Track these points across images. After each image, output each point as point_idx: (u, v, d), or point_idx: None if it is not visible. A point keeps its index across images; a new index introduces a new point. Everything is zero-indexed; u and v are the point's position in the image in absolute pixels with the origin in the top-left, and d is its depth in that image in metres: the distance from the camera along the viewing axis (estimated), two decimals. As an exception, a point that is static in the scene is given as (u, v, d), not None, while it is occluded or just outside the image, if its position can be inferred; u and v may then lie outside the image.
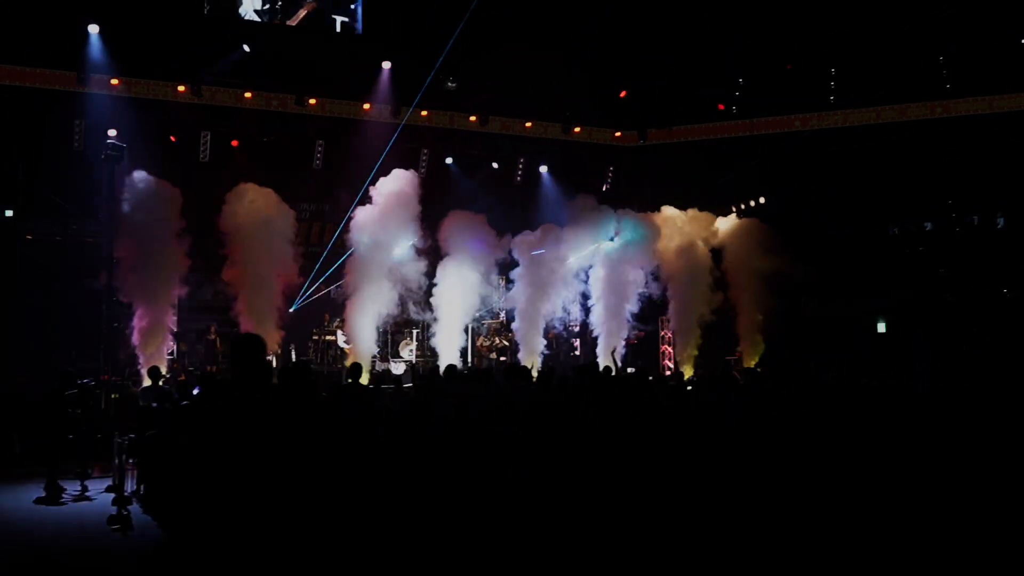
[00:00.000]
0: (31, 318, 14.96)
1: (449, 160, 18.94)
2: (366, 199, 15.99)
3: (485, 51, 17.06)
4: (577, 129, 19.44)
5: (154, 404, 9.97)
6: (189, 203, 15.05)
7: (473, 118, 18.45)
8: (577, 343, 19.58)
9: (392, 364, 17.07)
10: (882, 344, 18.32)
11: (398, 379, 11.69)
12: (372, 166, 16.17)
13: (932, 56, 18.07)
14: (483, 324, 18.61)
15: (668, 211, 18.68)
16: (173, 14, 15.93)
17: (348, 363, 14.86)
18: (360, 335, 15.82)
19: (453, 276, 16.72)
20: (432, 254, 16.72)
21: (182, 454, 7.22)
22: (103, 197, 14.90)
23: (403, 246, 16.16)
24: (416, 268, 16.30)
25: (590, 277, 17.94)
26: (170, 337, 15.14)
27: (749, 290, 18.17)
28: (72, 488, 9.91)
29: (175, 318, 15.45)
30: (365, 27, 17.86)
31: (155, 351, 14.50)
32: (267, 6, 17.28)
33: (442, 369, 11.43)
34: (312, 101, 17.21)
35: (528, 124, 19.09)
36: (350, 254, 16.09)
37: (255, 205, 15.25)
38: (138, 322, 14.55)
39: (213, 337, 16.01)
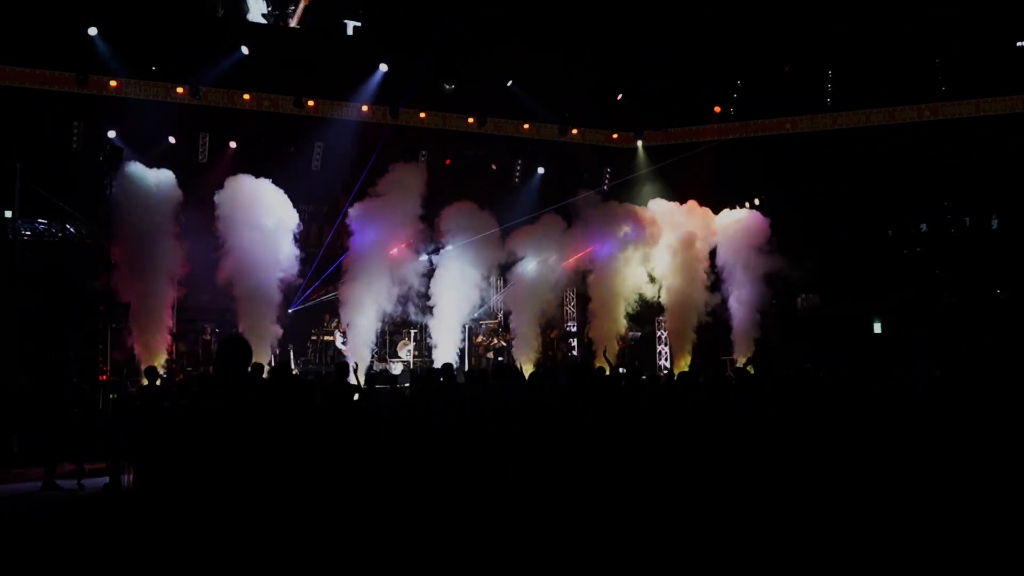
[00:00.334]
0: (30, 318, 15.01)
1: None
2: (364, 196, 16.04)
3: (483, 52, 17.16)
4: (574, 131, 19.52)
5: (153, 404, 10.03)
6: (189, 204, 15.15)
7: (471, 120, 18.53)
8: (575, 343, 19.68)
9: (390, 364, 17.15)
10: (878, 344, 18.40)
11: (393, 379, 11.73)
12: (371, 166, 16.24)
13: (920, 60, 18.17)
14: (480, 324, 18.69)
15: (660, 204, 18.59)
16: (172, 16, 15.97)
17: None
18: (358, 335, 15.87)
19: (451, 275, 16.77)
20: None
21: (179, 454, 7.27)
22: (102, 198, 15.04)
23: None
24: (415, 268, 16.37)
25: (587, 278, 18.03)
26: (168, 338, 15.22)
27: (745, 289, 18.20)
28: (69, 487, 9.99)
29: (174, 319, 15.52)
30: (364, 29, 17.92)
31: (154, 352, 14.57)
32: (273, 10, 17.34)
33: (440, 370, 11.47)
34: (311, 103, 17.28)
35: (526, 126, 19.17)
36: (347, 255, 16.13)
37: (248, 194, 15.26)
38: (136, 323, 14.62)
39: (208, 338, 16.08)
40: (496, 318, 19.19)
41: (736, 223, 18.64)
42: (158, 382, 11.31)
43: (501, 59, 17.41)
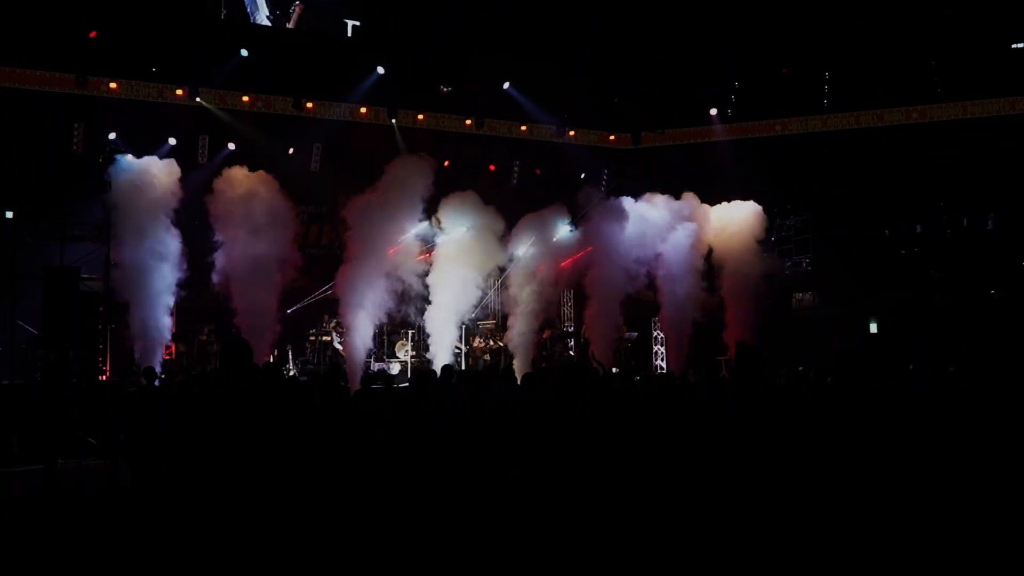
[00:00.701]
0: (30, 319, 15.08)
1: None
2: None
3: (481, 54, 17.23)
4: (572, 132, 19.61)
5: (152, 404, 10.10)
6: (188, 204, 15.23)
7: (469, 121, 18.61)
8: (571, 343, 19.76)
9: (387, 364, 17.23)
10: (875, 344, 18.48)
11: (390, 380, 11.79)
12: (370, 168, 16.31)
13: (917, 61, 18.25)
14: (478, 325, 18.77)
15: (654, 198, 18.56)
16: (172, 17, 16.04)
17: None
18: (355, 336, 15.92)
19: (449, 275, 16.82)
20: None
21: (178, 453, 7.35)
22: (102, 199, 15.13)
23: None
24: (414, 267, 16.43)
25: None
26: (168, 338, 15.29)
27: (741, 289, 18.28)
28: (69, 487, 10.04)
29: (174, 319, 15.58)
30: (363, 30, 17.99)
31: (153, 352, 14.64)
32: (278, 13, 17.42)
33: (438, 370, 11.51)
34: (309, 105, 17.36)
35: (523, 127, 19.25)
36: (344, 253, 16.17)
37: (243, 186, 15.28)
38: (136, 323, 14.69)
39: (205, 338, 16.15)
40: (493, 319, 19.27)
41: (734, 218, 18.74)
42: (156, 382, 11.38)
43: (499, 60, 17.48)
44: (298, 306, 16.62)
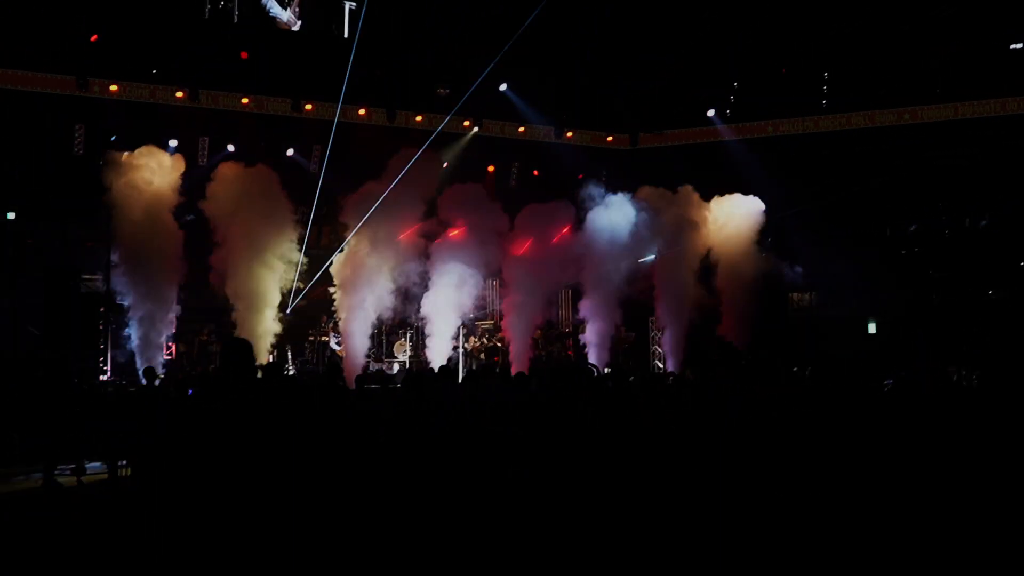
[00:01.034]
0: (30, 319, 15.12)
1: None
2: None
3: (479, 55, 17.24)
4: (570, 134, 19.63)
5: (152, 404, 10.14)
6: (187, 205, 15.28)
7: (467, 123, 18.65)
8: (570, 343, 19.79)
9: (386, 365, 17.26)
10: (873, 344, 18.50)
11: (386, 379, 11.81)
12: (369, 169, 16.35)
13: (909, 63, 18.29)
14: (476, 325, 18.80)
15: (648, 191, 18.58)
16: (172, 18, 16.10)
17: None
18: (353, 336, 15.95)
19: (447, 275, 16.85)
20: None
21: (177, 453, 7.37)
22: (102, 200, 15.18)
23: None
24: (413, 267, 16.47)
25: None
26: (168, 338, 15.34)
27: (738, 289, 18.31)
28: (69, 486, 10.09)
29: (174, 319, 15.63)
30: (362, 31, 18.01)
31: (153, 352, 14.69)
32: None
33: (437, 370, 11.55)
34: (308, 106, 17.40)
35: (521, 129, 19.27)
36: (341, 250, 16.20)
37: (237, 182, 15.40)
38: (137, 323, 14.74)
39: (205, 339, 16.19)
40: (491, 319, 19.30)
41: (732, 215, 18.79)
42: (156, 382, 11.43)
43: (497, 61, 17.50)
44: (293, 304, 16.62)
